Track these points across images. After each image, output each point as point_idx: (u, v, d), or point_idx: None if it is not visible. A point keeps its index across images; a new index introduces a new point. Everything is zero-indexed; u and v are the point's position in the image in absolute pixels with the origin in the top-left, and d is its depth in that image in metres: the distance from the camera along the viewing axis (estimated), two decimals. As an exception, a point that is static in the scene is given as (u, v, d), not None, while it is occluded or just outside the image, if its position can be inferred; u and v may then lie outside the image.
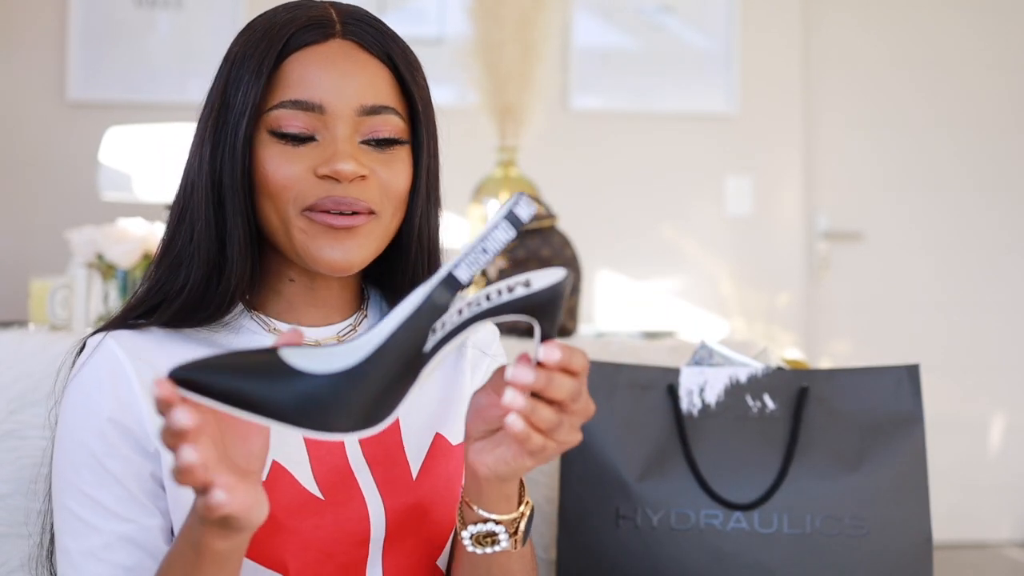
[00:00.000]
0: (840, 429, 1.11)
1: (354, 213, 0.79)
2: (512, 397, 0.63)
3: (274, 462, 0.81)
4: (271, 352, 0.61)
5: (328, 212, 0.79)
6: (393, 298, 0.90)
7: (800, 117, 3.27)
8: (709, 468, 1.10)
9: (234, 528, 0.62)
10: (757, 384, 1.12)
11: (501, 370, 0.69)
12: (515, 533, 0.75)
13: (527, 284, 0.64)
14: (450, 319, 0.63)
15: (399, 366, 0.61)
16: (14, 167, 3.03)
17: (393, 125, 0.82)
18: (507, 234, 0.62)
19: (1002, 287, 3.36)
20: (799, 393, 1.11)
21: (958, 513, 3.20)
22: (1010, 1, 3.40)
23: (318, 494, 0.82)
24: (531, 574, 0.84)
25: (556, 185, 2.46)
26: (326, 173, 0.78)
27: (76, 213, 2.79)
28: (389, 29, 0.85)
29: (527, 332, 1.68)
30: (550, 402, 0.64)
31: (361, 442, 0.85)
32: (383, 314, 0.92)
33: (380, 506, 0.83)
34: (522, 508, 0.75)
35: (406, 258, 0.87)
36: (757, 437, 1.11)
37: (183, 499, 0.79)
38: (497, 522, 0.74)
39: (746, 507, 1.08)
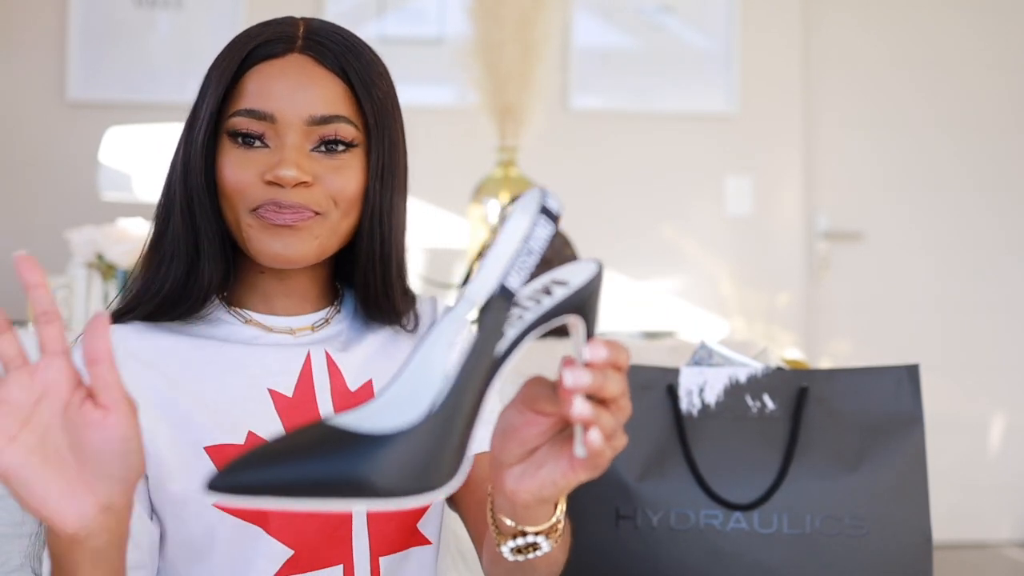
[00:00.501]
0: (840, 429, 1.11)
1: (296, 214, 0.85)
2: (581, 407, 0.58)
3: (249, 432, 0.85)
4: (319, 425, 0.53)
5: (271, 213, 0.84)
6: (356, 294, 0.95)
7: (800, 117, 3.28)
8: (709, 468, 1.10)
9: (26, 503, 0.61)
10: (757, 384, 1.12)
11: (532, 383, 0.63)
12: (555, 531, 0.72)
13: (564, 283, 0.61)
14: (502, 343, 0.58)
15: (479, 391, 0.56)
16: (14, 167, 3.03)
17: (344, 133, 0.87)
18: (547, 230, 0.58)
19: (1002, 287, 3.36)
20: (799, 393, 1.12)
21: (958, 513, 3.20)
22: (1010, 1, 3.40)
23: None
24: (569, 539, 0.85)
25: (556, 185, 2.46)
26: (270, 179, 0.84)
27: (76, 213, 2.79)
28: (354, 44, 0.90)
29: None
30: (602, 402, 0.60)
31: (336, 408, 0.89)
32: (356, 310, 0.96)
33: None
34: (560, 506, 0.72)
35: (360, 257, 0.91)
36: (757, 437, 1.11)
37: (163, 487, 0.83)
38: (537, 532, 0.71)
39: (746, 507, 1.08)
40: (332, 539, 0.85)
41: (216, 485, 0.50)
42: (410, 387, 0.57)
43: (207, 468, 0.83)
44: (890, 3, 3.36)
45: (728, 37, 3.24)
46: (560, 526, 0.72)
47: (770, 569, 1.07)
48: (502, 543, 0.71)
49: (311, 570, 0.84)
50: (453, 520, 1.01)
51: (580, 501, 1.11)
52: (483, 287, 0.58)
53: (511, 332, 0.58)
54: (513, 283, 0.57)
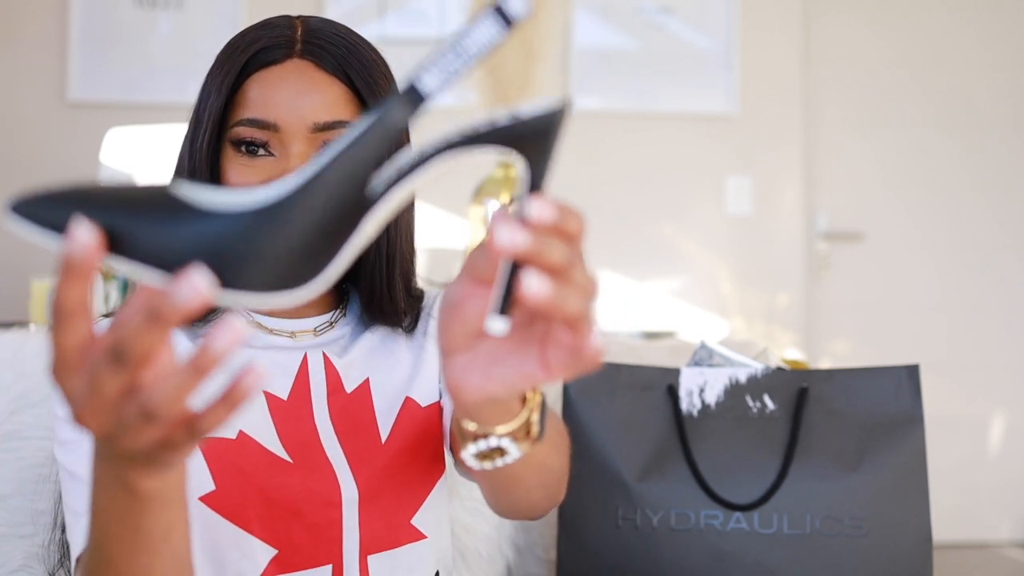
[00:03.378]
0: (840, 429, 1.11)
1: None
2: (509, 234, 0.46)
3: (240, 432, 0.84)
4: (162, 188, 0.47)
5: None
6: (361, 296, 0.93)
7: (800, 117, 3.27)
8: (709, 468, 1.10)
9: (166, 463, 0.52)
10: (757, 384, 1.12)
11: (477, 251, 0.53)
12: (527, 435, 0.63)
13: (514, 115, 0.49)
14: (406, 154, 0.49)
15: (336, 204, 0.47)
16: (15, 168, 3.03)
17: None
18: (490, 32, 0.46)
19: (1002, 287, 3.36)
20: (799, 393, 1.12)
21: (958, 513, 3.20)
22: (1010, 1, 3.39)
23: (286, 457, 0.85)
24: (563, 442, 0.81)
25: (556, 185, 2.46)
26: None
27: (76, 213, 2.78)
28: (354, 44, 0.88)
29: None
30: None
31: (332, 411, 0.88)
32: (360, 313, 0.94)
33: (348, 473, 0.86)
34: (527, 405, 0.63)
35: (367, 258, 0.90)
36: (757, 437, 1.11)
37: None
38: (501, 435, 0.62)
39: (746, 507, 1.08)
40: (320, 539, 0.84)
41: (18, 207, 0.45)
42: (287, 177, 0.49)
43: (192, 462, 0.82)
44: (890, 3, 3.36)
45: (728, 37, 3.24)
46: (534, 429, 0.63)
47: (770, 569, 1.07)
48: (463, 449, 0.63)
49: (297, 570, 0.83)
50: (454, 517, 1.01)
51: (580, 502, 1.11)
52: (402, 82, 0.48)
53: (427, 148, 0.49)
54: (426, 82, 0.46)
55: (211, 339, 0.45)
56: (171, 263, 0.45)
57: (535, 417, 0.63)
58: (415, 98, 0.46)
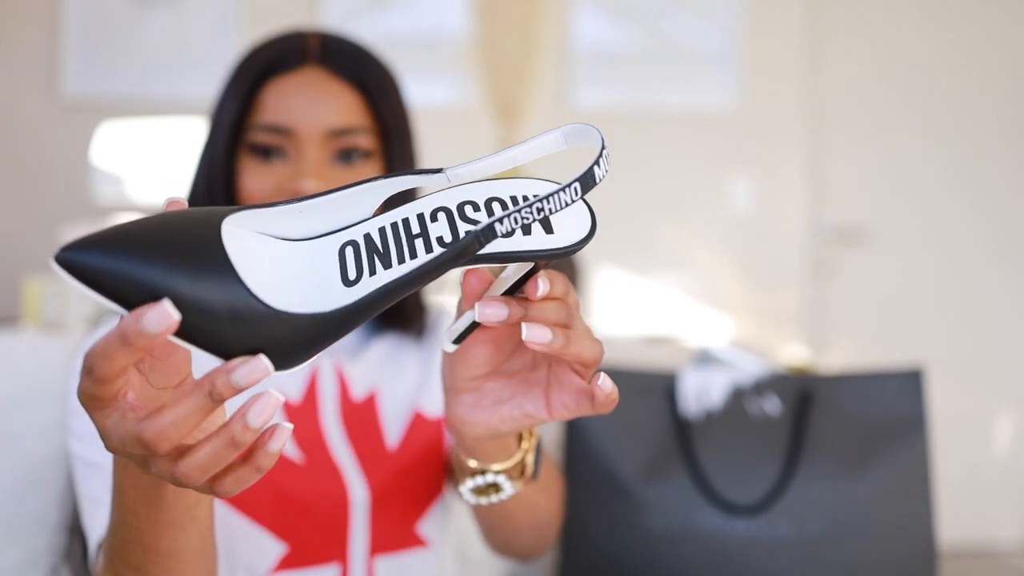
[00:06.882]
0: (844, 433, 1.10)
1: None
2: (495, 311, 0.53)
3: None
4: (214, 239, 0.47)
5: None
6: None
7: (804, 114, 3.26)
8: (712, 472, 1.09)
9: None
10: (760, 388, 1.12)
11: (470, 281, 0.58)
12: (521, 474, 0.67)
13: (547, 225, 0.53)
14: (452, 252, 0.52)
15: (384, 304, 0.51)
16: (8, 165, 3.01)
17: (361, 143, 0.89)
18: (574, 198, 0.50)
19: (1008, 286, 3.35)
20: (802, 397, 1.11)
21: (964, 516, 3.19)
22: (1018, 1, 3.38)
23: (299, 459, 0.86)
24: (555, 487, 0.83)
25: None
26: (290, 190, 0.86)
27: (69, 211, 2.77)
28: (365, 53, 0.92)
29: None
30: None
31: (342, 417, 0.90)
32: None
33: (358, 476, 0.87)
34: (523, 445, 0.68)
35: None
36: (760, 441, 1.11)
37: None
38: (497, 472, 0.66)
39: (749, 512, 1.08)
40: (329, 537, 0.85)
41: (65, 257, 0.42)
42: (328, 256, 0.51)
43: None
44: (897, 1, 3.34)
45: (732, 33, 3.22)
46: (528, 469, 0.67)
47: (773, 574, 1.06)
48: (461, 484, 0.68)
49: (306, 566, 0.84)
50: (455, 518, 1.00)
51: (582, 506, 1.10)
52: (484, 222, 0.51)
53: (446, 252, 0.52)
54: (500, 229, 0.50)
55: (249, 414, 0.45)
56: (231, 353, 0.46)
57: (530, 458, 0.68)
58: (488, 238, 0.50)
